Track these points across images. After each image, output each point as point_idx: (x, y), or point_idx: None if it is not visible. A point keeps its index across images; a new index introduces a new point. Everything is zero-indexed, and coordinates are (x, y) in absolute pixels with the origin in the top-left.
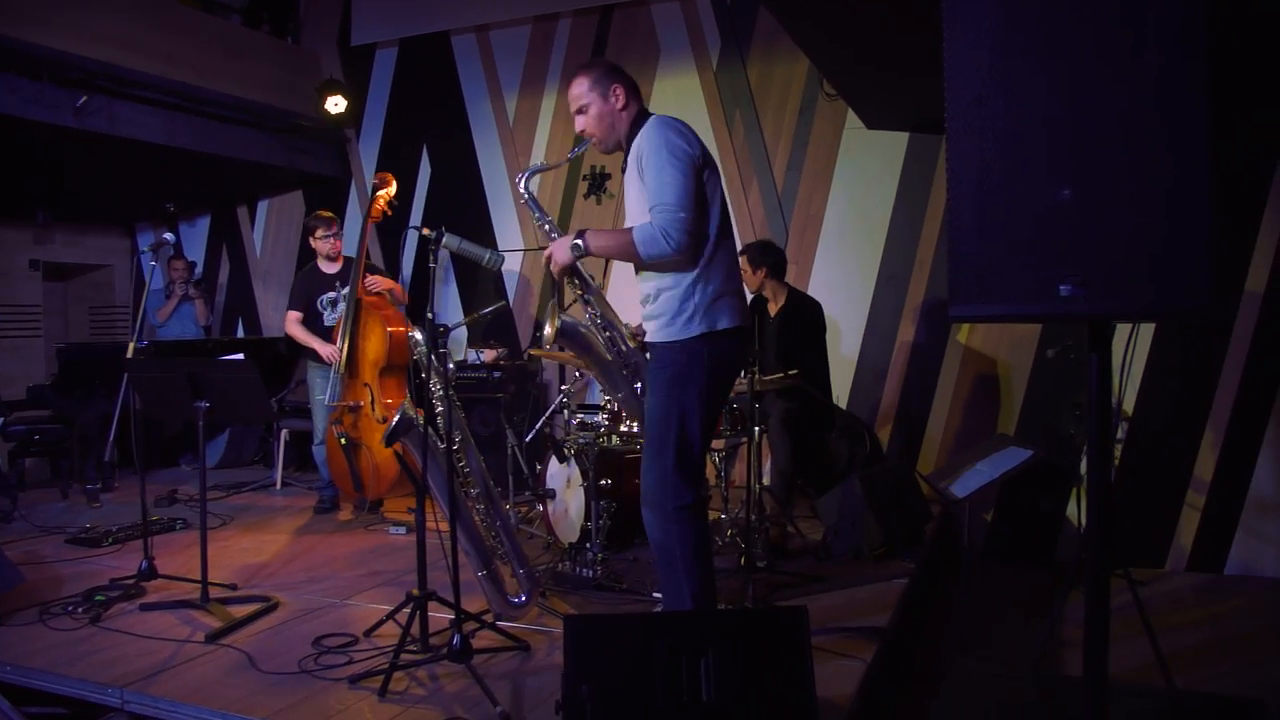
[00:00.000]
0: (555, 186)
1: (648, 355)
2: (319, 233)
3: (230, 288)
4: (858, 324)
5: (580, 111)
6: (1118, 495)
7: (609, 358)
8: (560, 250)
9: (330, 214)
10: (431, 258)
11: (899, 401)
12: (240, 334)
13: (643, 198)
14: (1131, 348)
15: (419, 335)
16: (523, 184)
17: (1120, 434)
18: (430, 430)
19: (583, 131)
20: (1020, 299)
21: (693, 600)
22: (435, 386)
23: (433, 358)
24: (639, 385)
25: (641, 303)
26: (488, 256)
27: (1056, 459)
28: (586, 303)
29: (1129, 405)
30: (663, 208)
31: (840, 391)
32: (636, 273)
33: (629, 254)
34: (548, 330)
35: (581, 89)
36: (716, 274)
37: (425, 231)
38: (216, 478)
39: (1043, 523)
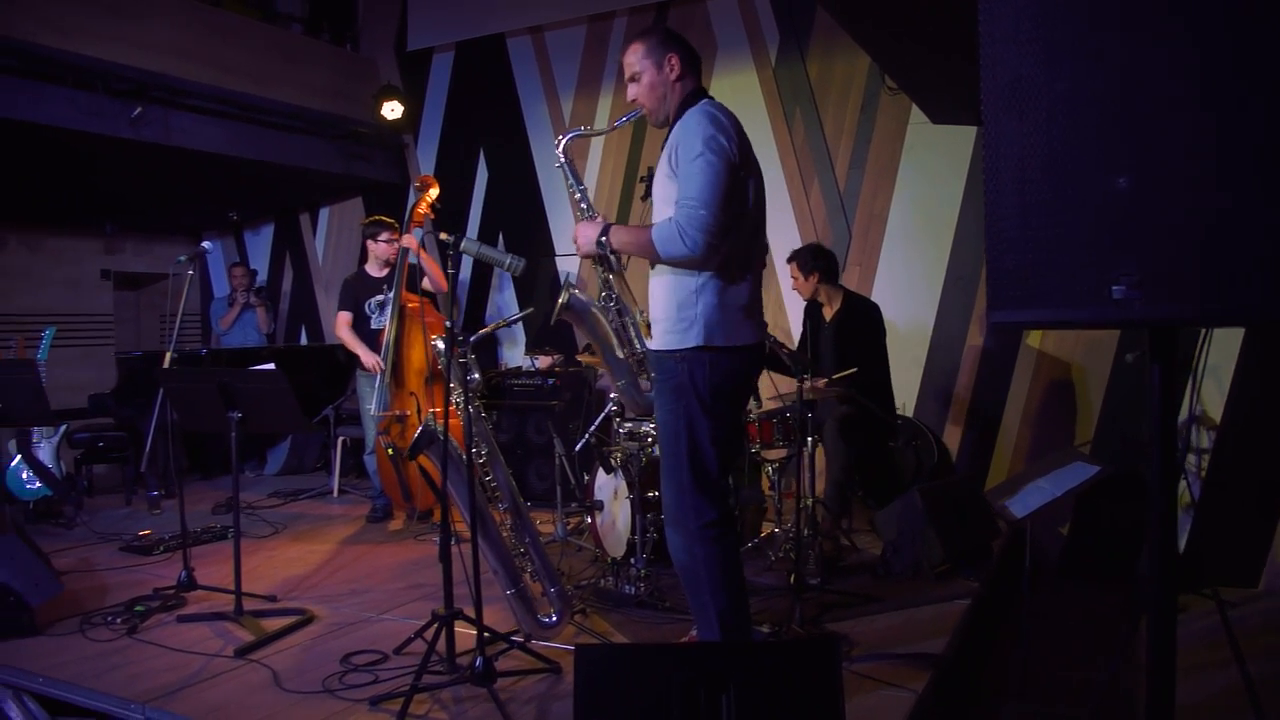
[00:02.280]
0: (613, 186)
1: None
2: (382, 236)
3: (293, 295)
4: (924, 327)
5: (633, 80)
6: (1204, 509)
7: (616, 346)
8: (586, 240)
9: (392, 220)
10: (450, 264)
11: (969, 409)
12: (303, 341)
13: (670, 186)
14: (1204, 352)
15: (440, 344)
16: (560, 147)
17: (1207, 443)
18: (458, 443)
19: (634, 100)
20: (1067, 302)
21: (719, 620)
22: (457, 397)
23: (452, 367)
24: (643, 379)
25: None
26: (508, 261)
27: (1137, 469)
28: (606, 283)
29: (1216, 412)
30: (686, 203)
31: (906, 398)
32: (650, 268)
33: (648, 252)
34: (559, 302)
35: (635, 56)
36: (725, 285)
37: (444, 236)
38: (278, 484)
39: (1122, 537)
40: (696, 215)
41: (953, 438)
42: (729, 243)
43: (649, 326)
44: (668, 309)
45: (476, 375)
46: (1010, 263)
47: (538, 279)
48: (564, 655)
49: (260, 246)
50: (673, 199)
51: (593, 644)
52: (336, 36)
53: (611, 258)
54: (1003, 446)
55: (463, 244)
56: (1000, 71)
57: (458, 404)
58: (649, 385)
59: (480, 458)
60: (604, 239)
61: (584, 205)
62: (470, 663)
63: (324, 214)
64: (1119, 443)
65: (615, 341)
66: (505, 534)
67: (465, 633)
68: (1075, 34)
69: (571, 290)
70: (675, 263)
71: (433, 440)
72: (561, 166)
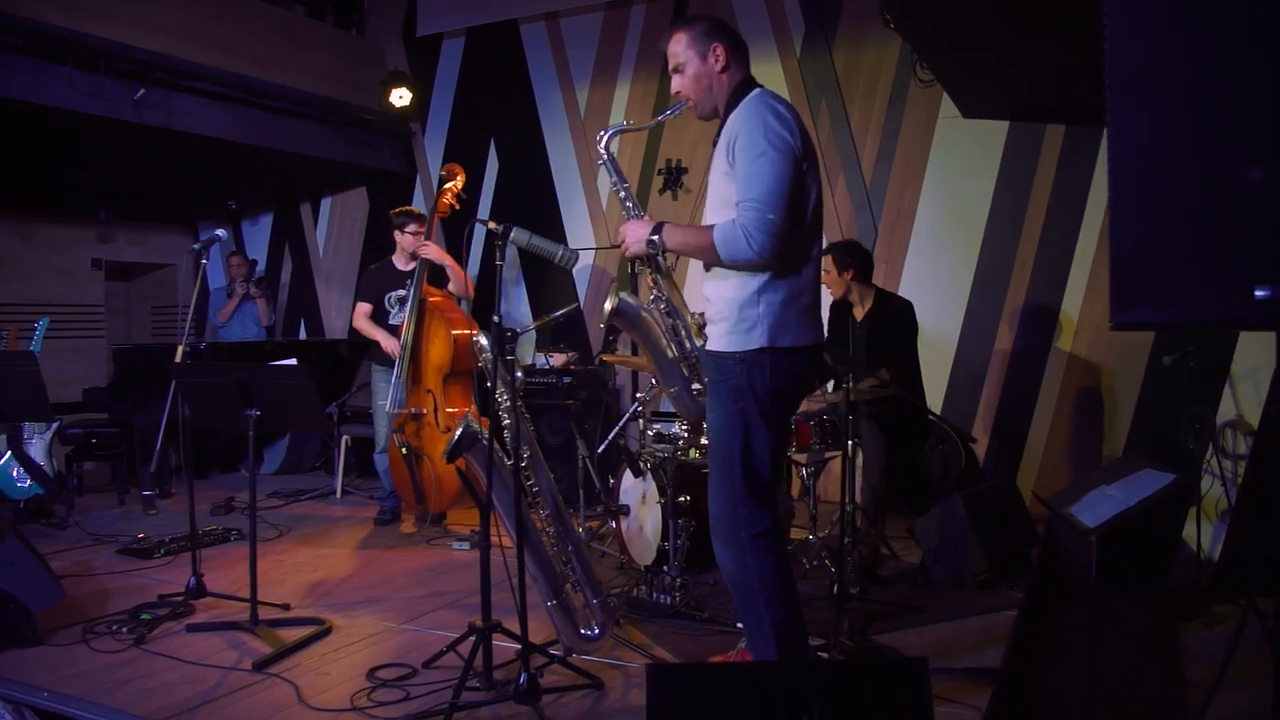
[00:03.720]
0: (629, 178)
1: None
2: (410, 227)
3: (293, 287)
4: (952, 328)
5: (676, 71)
6: (1241, 516)
7: (667, 349)
8: (635, 240)
9: (421, 212)
10: (499, 254)
11: (997, 412)
12: (302, 335)
13: (728, 185)
14: None
15: (484, 340)
16: (603, 144)
17: (1244, 448)
18: (497, 445)
19: (677, 94)
20: (1202, 303)
21: (775, 632)
22: (502, 396)
23: (499, 365)
24: (696, 385)
25: (707, 304)
26: (560, 253)
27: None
28: (655, 284)
29: (1253, 417)
30: (750, 204)
31: (933, 400)
32: (705, 270)
33: (708, 255)
34: (606, 306)
35: (679, 46)
36: (788, 282)
37: (492, 225)
38: (276, 484)
39: (1156, 545)
40: (764, 220)
41: (979, 441)
42: (806, 247)
43: (700, 329)
44: (729, 309)
45: (520, 373)
46: (1136, 262)
47: (549, 275)
48: (604, 669)
49: (259, 237)
50: (730, 198)
51: (666, 663)
52: (341, 20)
53: (660, 259)
54: (1031, 451)
55: (513, 234)
56: (1126, 56)
57: (503, 404)
58: (701, 390)
59: (522, 461)
60: (656, 238)
61: (629, 204)
62: (512, 678)
63: (326, 204)
64: (1152, 449)
65: (666, 346)
66: (547, 542)
67: (497, 644)
68: (1207, 13)
69: (620, 294)
70: (737, 266)
71: (474, 442)
72: (604, 163)
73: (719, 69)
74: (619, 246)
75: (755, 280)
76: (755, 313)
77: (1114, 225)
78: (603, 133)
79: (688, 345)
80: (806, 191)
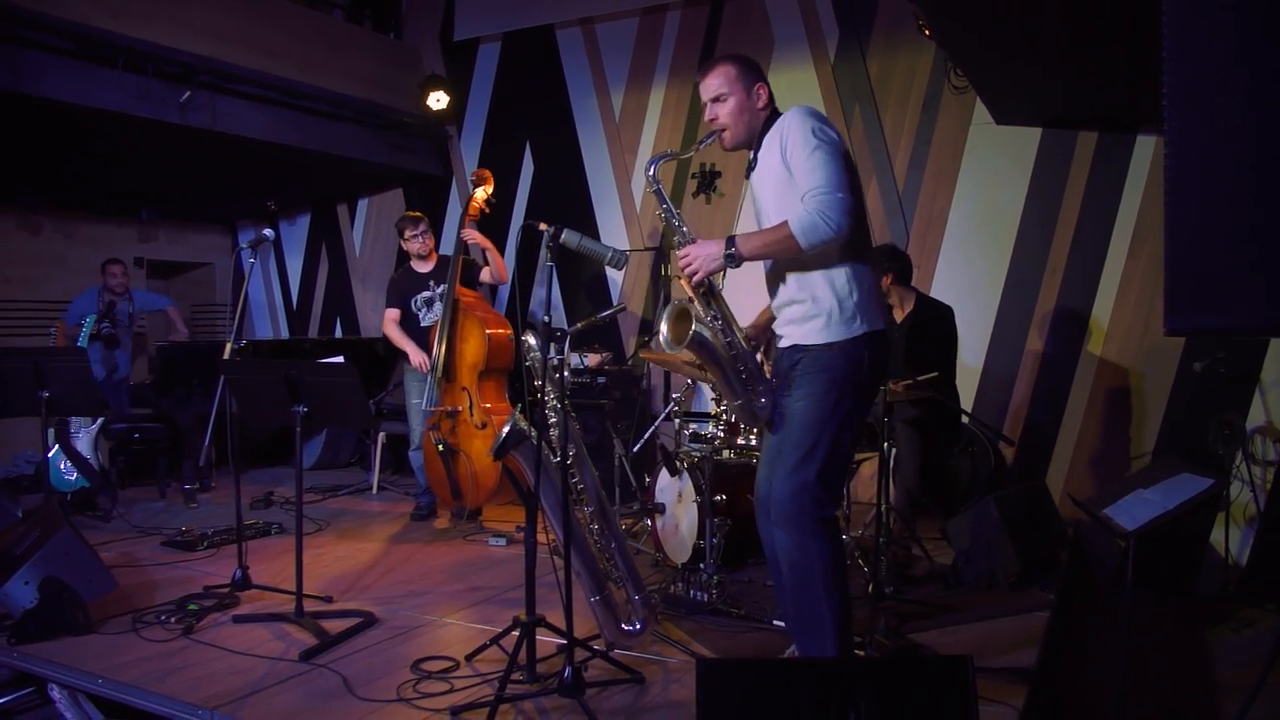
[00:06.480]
0: (664, 183)
1: (759, 359)
2: (407, 233)
3: (329, 287)
4: (983, 332)
5: (717, 100)
6: (1269, 521)
7: (729, 364)
8: (711, 258)
9: (417, 213)
10: (549, 255)
11: (1026, 415)
12: (338, 333)
13: (787, 189)
14: None
15: (533, 341)
16: (651, 172)
17: (1273, 455)
18: (542, 443)
19: (714, 121)
20: (1259, 311)
21: (833, 619)
22: (549, 396)
23: (547, 365)
24: (756, 394)
25: (782, 306)
26: (610, 255)
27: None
28: (708, 303)
29: None
30: (817, 190)
31: (963, 403)
32: (774, 277)
33: (787, 249)
34: (663, 330)
35: (723, 78)
36: (865, 269)
37: (542, 227)
38: (313, 479)
39: (1183, 549)
40: (834, 199)
41: (1007, 445)
42: (869, 237)
43: (748, 340)
44: (824, 303)
45: (567, 373)
46: (1194, 266)
47: (582, 278)
48: (644, 664)
49: (296, 236)
50: (785, 199)
51: (715, 658)
52: (379, 24)
53: (716, 281)
54: (1060, 455)
55: (564, 235)
56: (1187, 63)
57: (550, 403)
58: (756, 396)
59: (568, 459)
60: (733, 251)
61: (684, 229)
62: (556, 672)
63: (363, 204)
64: (1181, 453)
65: (728, 361)
66: (591, 539)
67: (538, 639)
68: (1270, 19)
69: (696, 323)
70: (818, 249)
71: (522, 440)
72: (656, 191)
73: (760, 105)
74: (682, 268)
75: (844, 271)
76: (853, 301)
77: (1170, 232)
78: (650, 162)
79: (743, 355)
80: (857, 180)
